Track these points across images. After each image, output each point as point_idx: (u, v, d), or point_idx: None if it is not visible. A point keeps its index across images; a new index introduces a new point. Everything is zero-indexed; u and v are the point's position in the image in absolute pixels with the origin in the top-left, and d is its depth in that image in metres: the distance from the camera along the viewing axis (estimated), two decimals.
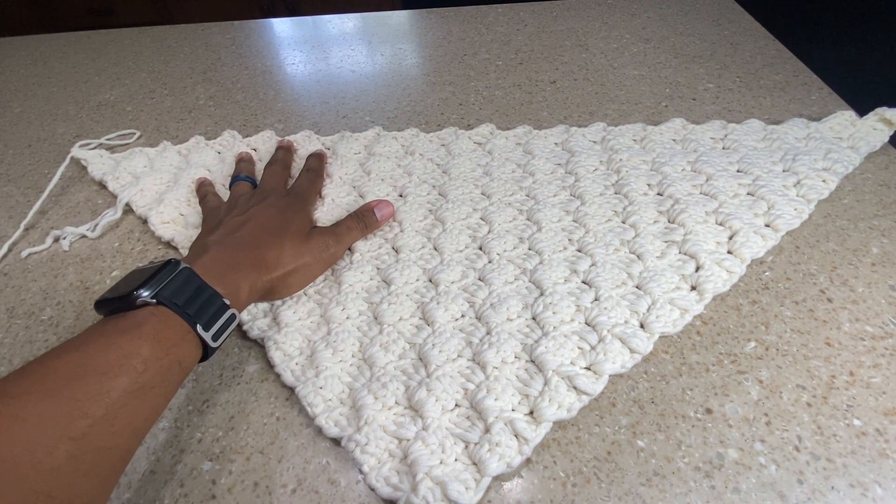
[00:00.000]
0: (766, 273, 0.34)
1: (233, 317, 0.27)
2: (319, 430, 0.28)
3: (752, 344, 0.30)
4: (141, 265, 0.28)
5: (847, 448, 0.26)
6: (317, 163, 0.43)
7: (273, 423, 0.28)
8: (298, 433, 0.28)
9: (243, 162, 0.44)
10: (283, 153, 0.44)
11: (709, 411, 0.27)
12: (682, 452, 0.26)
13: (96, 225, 0.41)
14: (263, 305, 0.33)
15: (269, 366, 0.31)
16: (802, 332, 0.30)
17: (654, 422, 0.27)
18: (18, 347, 0.33)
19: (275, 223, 0.33)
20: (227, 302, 0.27)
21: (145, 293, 0.25)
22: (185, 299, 0.25)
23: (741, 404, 0.27)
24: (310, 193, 0.40)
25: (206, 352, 0.27)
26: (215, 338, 0.26)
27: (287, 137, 0.48)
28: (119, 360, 0.22)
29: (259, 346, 0.32)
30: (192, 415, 0.29)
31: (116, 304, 0.25)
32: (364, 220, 0.37)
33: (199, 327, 0.25)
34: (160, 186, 0.43)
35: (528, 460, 0.26)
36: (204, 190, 0.41)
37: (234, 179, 0.41)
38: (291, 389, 0.29)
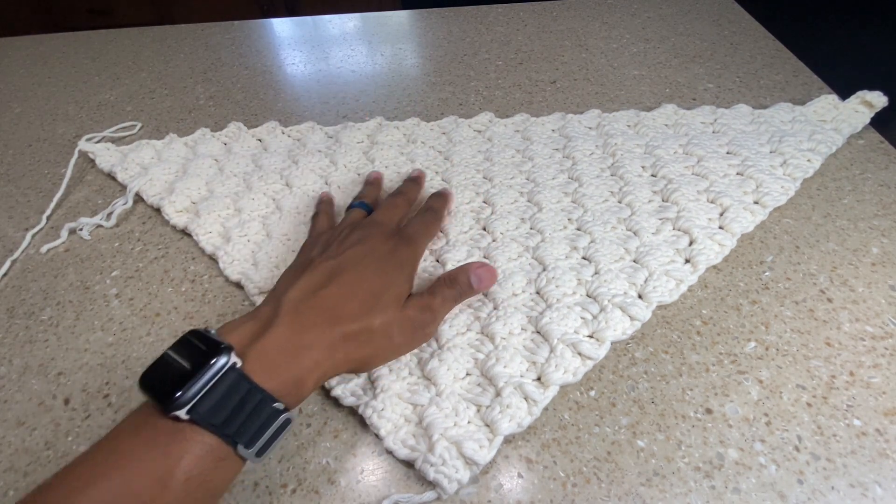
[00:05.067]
0: (766, 273, 0.34)
1: (286, 422, 0.23)
2: (319, 431, 0.28)
3: (752, 344, 0.30)
4: (200, 329, 0.23)
5: (847, 448, 0.26)
6: (440, 203, 0.36)
7: None
8: (298, 433, 0.28)
9: (369, 185, 0.39)
10: (411, 186, 0.38)
11: (709, 411, 0.27)
12: (682, 452, 0.26)
13: (110, 214, 0.42)
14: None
15: None
16: (802, 332, 0.30)
17: (654, 422, 0.27)
18: (18, 347, 0.33)
19: (368, 284, 0.27)
20: (281, 406, 0.22)
21: (181, 405, 0.20)
22: (226, 416, 0.21)
23: (741, 404, 0.27)
24: (421, 239, 0.33)
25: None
26: (260, 452, 0.22)
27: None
28: None
29: None
30: None
31: (151, 393, 0.21)
32: (458, 286, 0.30)
33: (240, 447, 0.21)
34: (169, 176, 0.44)
35: (528, 460, 0.26)
36: (319, 208, 0.38)
37: (352, 205, 0.36)
38: None
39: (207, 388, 0.21)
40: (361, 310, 0.26)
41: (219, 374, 0.21)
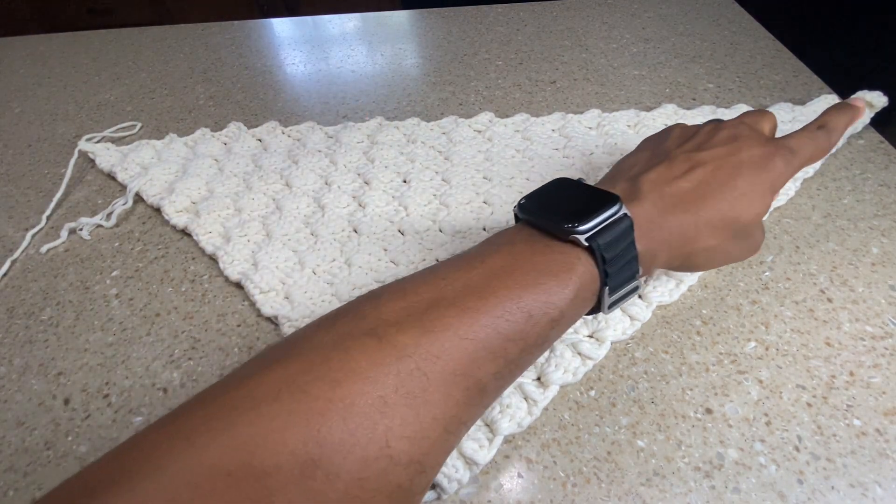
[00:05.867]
0: (766, 273, 0.34)
1: (635, 289, 0.24)
2: None
3: (752, 344, 0.30)
4: (570, 179, 0.24)
5: (847, 448, 0.26)
6: (837, 122, 0.29)
7: None
8: None
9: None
10: (831, 111, 0.30)
11: (709, 411, 0.27)
12: (682, 452, 0.26)
13: (110, 214, 0.41)
14: (275, 283, 0.34)
15: None
16: (802, 332, 0.30)
17: (654, 422, 0.27)
18: (18, 347, 0.33)
19: (732, 185, 0.25)
20: (640, 270, 0.23)
21: (583, 231, 0.21)
22: (613, 255, 0.22)
23: (741, 404, 0.27)
24: (804, 156, 0.28)
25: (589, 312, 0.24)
26: (611, 305, 0.23)
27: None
28: (544, 308, 0.20)
29: (259, 346, 0.32)
30: None
31: (542, 219, 0.22)
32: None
33: (606, 290, 0.22)
34: (169, 176, 0.44)
35: (528, 460, 0.26)
36: None
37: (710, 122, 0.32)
38: None
39: (603, 226, 0.22)
40: (715, 208, 0.25)
41: (614, 217, 0.22)
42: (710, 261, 0.27)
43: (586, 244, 0.21)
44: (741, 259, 0.29)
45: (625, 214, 0.22)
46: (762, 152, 0.26)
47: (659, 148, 0.28)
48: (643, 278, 0.24)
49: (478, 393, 0.20)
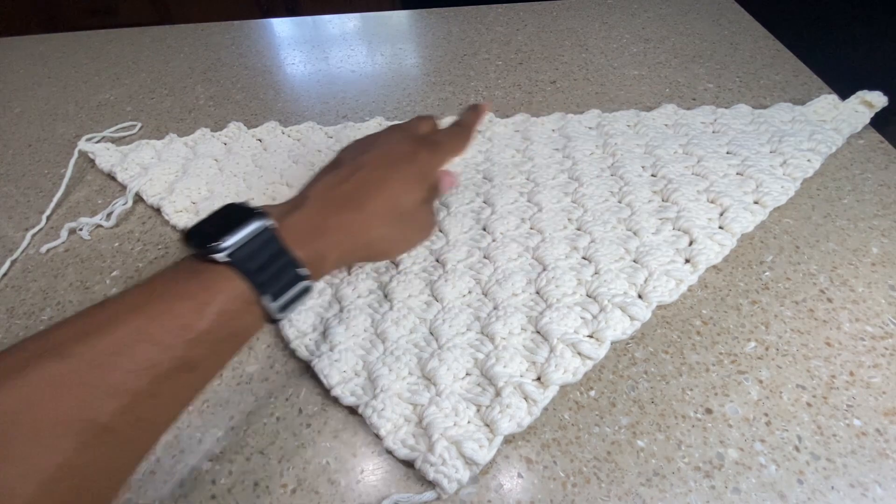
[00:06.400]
0: (766, 273, 0.34)
1: (306, 289, 0.26)
2: (319, 431, 0.28)
3: (752, 344, 0.30)
4: (239, 203, 0.26)
5: (847, 448, 0.26)
6: (470, 118, 0.36)
7: (273, 423, 0.28)
8: (298, 433, 0.28)
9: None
10: (465, 111, 0.37)
11: (709, 411, 0.27)
12: (682, 452, 0.26)
13: (110, 214, 0.41)
14: None
15: (269, 366, 0.31)
16: (802, 332, 0.30)
17: (654, 422, 0.27)
18: None
19: (384, 180, 0.29)
20: (305, 272, 0.25)
21: (221, 250, 0.23)
22: (260, 264, 0.24)
23: (741, 404, 0.27)
24: (444, 147, 0.33)
25: (272, 320, 0.25)
26: (283, 308, 0.25)
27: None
28: (175, 332, 0.21)
29: (259, 346, 0.32)
30: (191, 415, 0.29)
31: (191, 244, 0.24)
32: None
33: (265, 298, 0.24)
34: (169, 176, 0.44)
35: (528, 460, 0.26)
36: None
37: None
38: (292, 389, 0.30)
39: (245, 241, 0.24)
40: (376, 202, 0.29)
41: (256, 232, 0.24)
42: (393, 247, 0.31)
43: (226, 260, 0.23)
44: (422, 240, 0.33)
45: (265, 227, 0.24)
46: (410, 149, 0.31)
47: (339, 158, 0.32)
48: (310, 282, 0.26)
49: (100, 433, 0.19)
